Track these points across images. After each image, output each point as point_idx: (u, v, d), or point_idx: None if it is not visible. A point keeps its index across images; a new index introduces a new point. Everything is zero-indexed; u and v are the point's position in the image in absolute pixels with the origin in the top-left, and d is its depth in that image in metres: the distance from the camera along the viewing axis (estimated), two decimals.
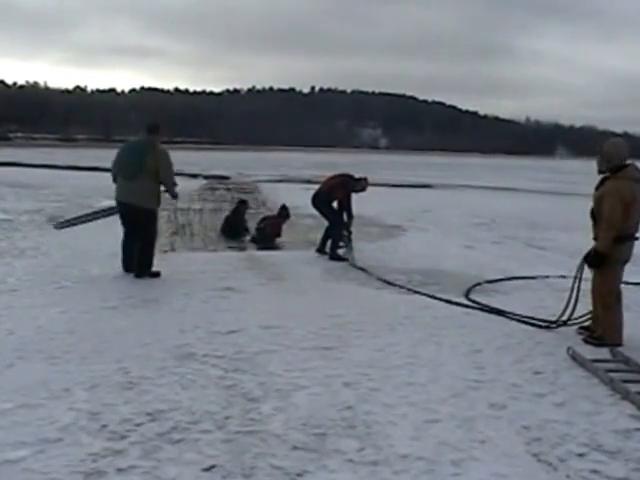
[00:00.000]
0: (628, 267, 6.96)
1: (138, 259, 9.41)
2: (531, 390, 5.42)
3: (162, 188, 9.46)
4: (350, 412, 4.87)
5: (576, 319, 7.12)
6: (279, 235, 13.96)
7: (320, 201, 11.45)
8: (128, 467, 3.97)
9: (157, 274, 9.45)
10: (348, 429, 4.60)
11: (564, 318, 7.15)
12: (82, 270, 9.51)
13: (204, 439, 4.37)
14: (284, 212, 14.44)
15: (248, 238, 14.04)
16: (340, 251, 11.21)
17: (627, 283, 7.48)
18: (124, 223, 9.57)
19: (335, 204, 11.44)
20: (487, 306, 8.14)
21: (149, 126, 9.66)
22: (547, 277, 10.13)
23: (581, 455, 4.32)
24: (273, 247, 13.13)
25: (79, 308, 7.47)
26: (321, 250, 11.45)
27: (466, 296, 8.69)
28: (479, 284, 9.44)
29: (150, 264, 9.45)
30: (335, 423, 4.68)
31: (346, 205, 11.40)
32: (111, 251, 10.46)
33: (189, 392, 5.17)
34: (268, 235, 13.72)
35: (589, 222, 6.99)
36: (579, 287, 7.06)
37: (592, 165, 7.30)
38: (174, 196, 9.71)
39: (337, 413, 4.85)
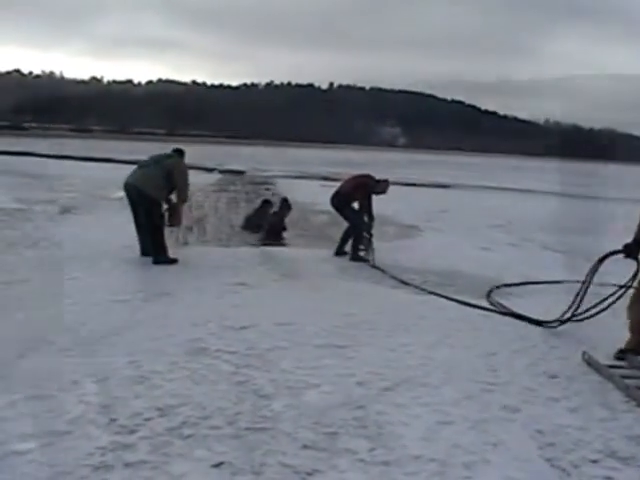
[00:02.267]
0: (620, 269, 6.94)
1: (151, 246, 9.81)
2: (545, 394, 5.36)
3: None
4: (362, 412, 4.83)
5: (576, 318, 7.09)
6: (284, 229, 13.89)
7: (339, 201, 11.36)
8: (137, 462, 3.94)
9: (174, 260, 9.77)
10: (359, 429, 4.55)
11: (566, 317, 7.14)
12: (94, 262, 9.50)
13: (214, 435, 4.34)
14: (285, 204, 14.39)
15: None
16: (360, 253, 11.13)
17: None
18: (130, 205, 9.97)
19: (355, 205, 11.36)
20: (504, 307, 8.07)
21: (176, 149, 10.41)
22: (562, 282, 10.01)
23: (595, 461, 4.26)
24: (280, 244, 13.05)
25: (90, 300, 7.46)
26: (339, 253, 11.36)
27: (487, 298, 8.60)
28: (498, 287, 9.34)
29: (162, 249, 9.77)
30: (346, 422, 4.64)
31: (367, 206, 11.31)
32: (123, 243, 10.50)
33: (200, 387, 5.15)
34: (269, 235, 13.59)
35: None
36: (587, 288, 7.01)
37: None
38: (184, 200, 10.10)
39: (349, 412, 4.81)
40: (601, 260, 7.04)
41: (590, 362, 6.10)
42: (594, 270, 7.05)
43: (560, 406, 5.13)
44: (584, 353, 6.25)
